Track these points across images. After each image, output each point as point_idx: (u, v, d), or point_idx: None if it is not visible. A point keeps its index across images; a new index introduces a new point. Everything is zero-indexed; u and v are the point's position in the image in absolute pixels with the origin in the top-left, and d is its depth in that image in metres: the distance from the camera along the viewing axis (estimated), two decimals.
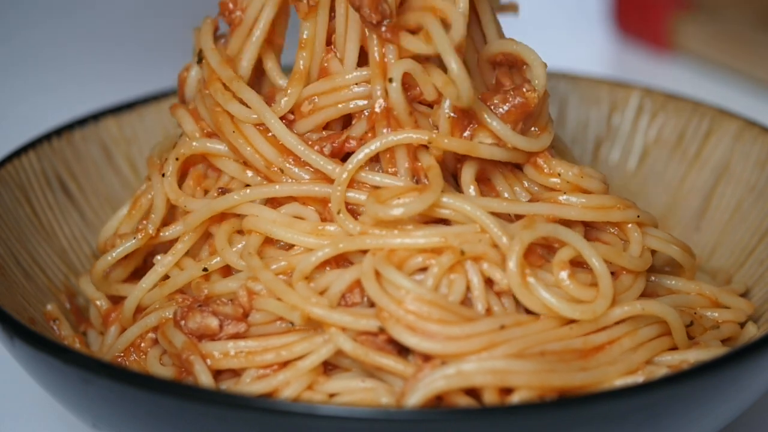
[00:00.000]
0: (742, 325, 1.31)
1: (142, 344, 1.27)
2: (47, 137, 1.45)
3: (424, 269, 1.19)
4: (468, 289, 1.18)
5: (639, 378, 1.18)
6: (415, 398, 1.12)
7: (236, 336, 1.21)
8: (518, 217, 1.22)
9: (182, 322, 1.22)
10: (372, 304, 1.19)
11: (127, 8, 2.51)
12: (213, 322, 1.21)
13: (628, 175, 1.55)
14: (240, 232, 1.27)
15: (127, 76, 2.18)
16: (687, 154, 1.51)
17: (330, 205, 1.23)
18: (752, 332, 1.29)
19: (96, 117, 1.51)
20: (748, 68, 2.13)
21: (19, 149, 1.42)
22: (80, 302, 1.39)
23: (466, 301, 1.18)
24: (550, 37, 2.38)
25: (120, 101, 1.54)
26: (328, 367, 1.20)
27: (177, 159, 1.30)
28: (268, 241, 1.25)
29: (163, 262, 1.29)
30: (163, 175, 1.30)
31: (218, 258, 1.26)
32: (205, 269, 1.26)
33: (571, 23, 2.46)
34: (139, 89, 1.61)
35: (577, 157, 1.58)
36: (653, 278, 1.29)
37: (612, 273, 1.21)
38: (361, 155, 1.22)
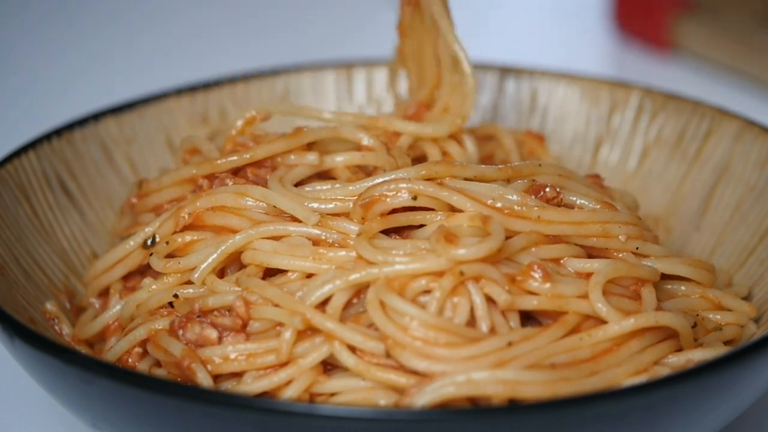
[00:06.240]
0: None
1: (129, 360, 1.26)
2: (47, 137, 1.45)
3: (427, 291, 1.18)
4: (472, 309, 1.18)
5: (643, 378, 1.18)
6: (422, 401, 1.12)
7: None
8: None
9: (180, 332, 1.21)
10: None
11: (127, 8, 2.52)
12: (212, 334, 1.20)
13: (628, 175, 1.55)
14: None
15: (127, 76, 2.18)
16: (687, 154, 1.51)
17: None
18: (752, 331, 1.29)
19: (96, 117, 1.50)
20: (748, 68, 2.13)
21: (19, 149, 1.42)
22: (80, 302, 1.39)
23: (472, 321, 1.18)
24: (550, 37, 2.39)
25: (120, 101, 1.54)
26: (328, 367, 1.20)
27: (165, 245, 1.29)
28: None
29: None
30: (151, 253, 1.29)
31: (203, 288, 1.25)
32: (175, 295, 1.25)
33: (571, 23, 2.46)
34: (139, 89, 1.61)
35: (577, 157, 1.58)
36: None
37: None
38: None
